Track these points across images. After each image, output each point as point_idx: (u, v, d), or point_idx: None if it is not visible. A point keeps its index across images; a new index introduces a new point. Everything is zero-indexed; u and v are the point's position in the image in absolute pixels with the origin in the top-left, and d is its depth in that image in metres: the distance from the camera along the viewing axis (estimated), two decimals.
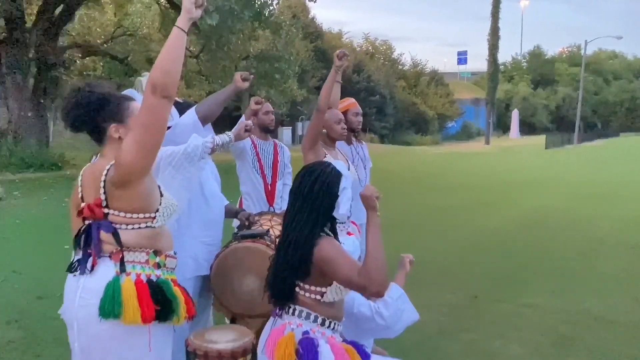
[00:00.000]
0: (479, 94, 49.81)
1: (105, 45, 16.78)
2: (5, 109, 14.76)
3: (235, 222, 3.19)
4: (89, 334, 1.76)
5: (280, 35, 15.40)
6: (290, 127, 26.32)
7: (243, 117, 3.29)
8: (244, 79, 2.67)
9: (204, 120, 2.56)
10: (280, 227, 2.94)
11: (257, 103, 3.26)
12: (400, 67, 42.63)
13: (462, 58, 60.82)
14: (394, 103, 35.75)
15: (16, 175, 12.24)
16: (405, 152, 27.87)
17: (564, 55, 62.54)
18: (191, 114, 2.55)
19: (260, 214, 3.17)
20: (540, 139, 35.72)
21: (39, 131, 14.50)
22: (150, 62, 17.85)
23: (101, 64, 17.41)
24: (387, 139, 34.22)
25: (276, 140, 3.68)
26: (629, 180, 14.25)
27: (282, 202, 3.55)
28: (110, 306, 1.71)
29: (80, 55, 16.74)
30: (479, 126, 47.50)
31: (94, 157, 2.34)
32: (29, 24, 14.33)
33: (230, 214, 2.98)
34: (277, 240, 2.58)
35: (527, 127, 49.79)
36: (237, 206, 3.49)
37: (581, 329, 3.86)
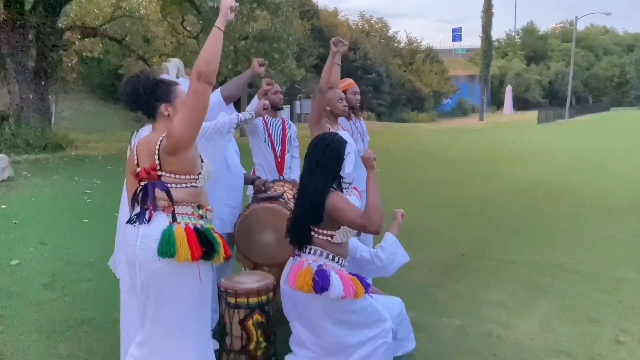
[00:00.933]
0: (474, 71, 49.73)
1: (103, 26, 16.87)
2: (6, 91, 14.89)
3: (249, 190, 3.65)
4: (149, 270, 2.20)
5: (279, 15, 15.55)
6: (288, 106, 26.55)
7: (256, 97, 3.71)
8: (261, 65, 3.11)
9: (227, 100, 3.01)
10: (290, 192, 3.44)
11: (268, 84, 3.66)
12: (395, 44, 42.48)
13: (456, 35, 60.51)
14: (390, 81, 35.69)
15: (21, 157, 12.50)
16: (402, 128, 28.19)
17: (557, 31, 62.49)
18: (217, 94, 2.99)
19: (274, 181, 3.63)
20: (533, 114, 36.03)
21: (41, 113, 14.58)
22: (148, 43, 17.97)
23: (100, 45, 17.51)
24: (383, 117, 34.27)
25: (284, 117, 4.06)
26: (613, 152, 14.82)
27: (290, 172, 3.94)
28: (166, 247, 2.15)
29: (79, 37, 16.83)
30: (474, 102, 47.67)
31: (135, 132, 2.78)
32: (27, 6, 14.41)
33: (248, 181, 3.45)
34: (292, 199, 3.05)
35: (521, 103, 49.96)
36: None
37: (553, 279, 4.39)
